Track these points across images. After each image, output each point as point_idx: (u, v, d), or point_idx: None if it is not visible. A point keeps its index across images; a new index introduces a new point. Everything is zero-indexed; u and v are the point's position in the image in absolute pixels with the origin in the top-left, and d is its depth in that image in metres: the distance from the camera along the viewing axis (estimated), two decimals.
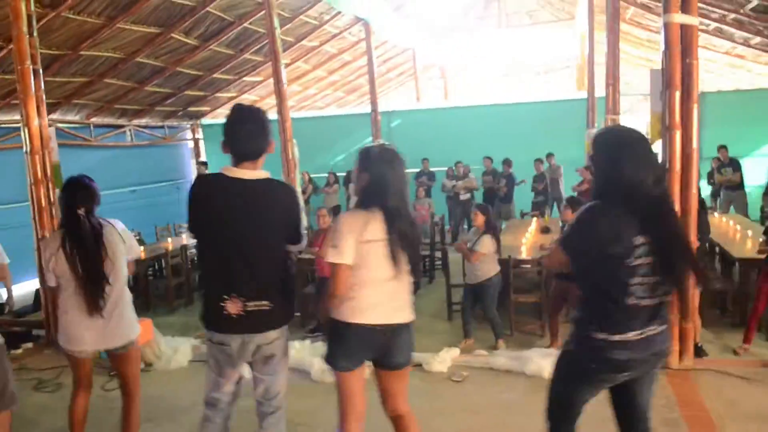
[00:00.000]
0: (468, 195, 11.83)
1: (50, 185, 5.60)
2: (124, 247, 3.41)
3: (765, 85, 12.52)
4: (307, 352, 5.21)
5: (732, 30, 10.68)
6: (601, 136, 2.57)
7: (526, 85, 19.87)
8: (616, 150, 2.45)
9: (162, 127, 13.17)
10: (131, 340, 3.41)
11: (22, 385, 5.00)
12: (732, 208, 10.47)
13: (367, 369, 2.97)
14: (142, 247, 3.59)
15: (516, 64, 19.33)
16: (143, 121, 12.47)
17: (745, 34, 10.63)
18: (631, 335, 2.39)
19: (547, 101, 13.77)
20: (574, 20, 16.03)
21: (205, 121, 14.28)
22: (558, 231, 8.69)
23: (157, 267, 9.26)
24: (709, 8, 10.02)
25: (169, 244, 9.19)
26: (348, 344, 2.83)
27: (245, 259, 2.71)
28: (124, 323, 3.38)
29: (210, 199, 2.78)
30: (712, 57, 12.87)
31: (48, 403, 4.70)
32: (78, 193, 3.33)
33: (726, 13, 9.98)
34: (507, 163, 11.70)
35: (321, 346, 5.26)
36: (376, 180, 2.81)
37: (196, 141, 14.24)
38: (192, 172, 14.29)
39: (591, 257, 2.43)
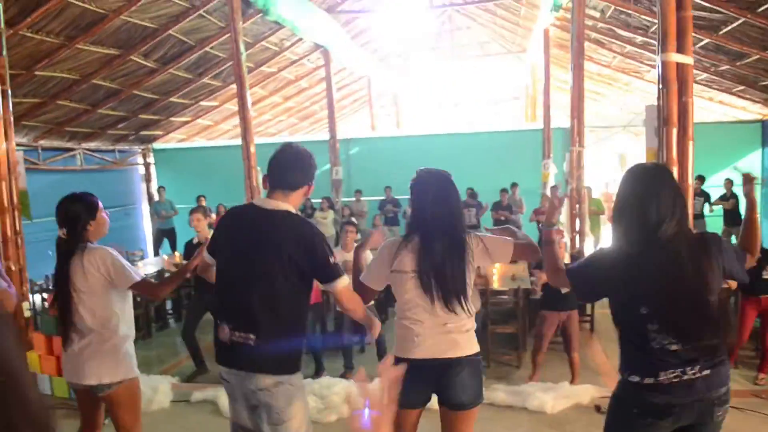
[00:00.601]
0: None
1: (17, 213, 5.24)
2: (89, 279, 3.03)
3: (705, 119, 13.07)
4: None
5: None
6: (624, 175, 2.48)
7: (477, 114, 20.26)
8: (628, 188, 2.38)
9: (113, 150, 12.69)
10: (104, 383, 3.06)
11: None
12: None
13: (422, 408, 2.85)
14: (141, 275, 3.23)
15: (467, 94, 19.70)
16: (93, 144, 11.99)
17: (694, 71, 11.14)
18: (664, 378, 2.28)
19: (503, 131, 14.04)
20: (524, 52, 16.53)
21: (157, 145, 13.86)
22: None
23: None
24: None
25: None
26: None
27: (242, 286, 2.59)
28: (94, 362, 3.05)
29: (227, 223, 2.80)
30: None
31: None
32: (58, 213, 3.09)
33: None
34: (473, 195, 11.80)
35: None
36: (416, 207, 2.79)
37: (147, 165, 13.78)
38: (143, 198, 13.80)
39: (598, 296, 2.41)
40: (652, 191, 2.30)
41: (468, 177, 12.25)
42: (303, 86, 14.90)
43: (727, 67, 10.26)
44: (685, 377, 2.27)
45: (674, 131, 4.44)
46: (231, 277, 2.64)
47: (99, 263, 3.04)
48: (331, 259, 2.61)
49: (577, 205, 8.78)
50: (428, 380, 2.72)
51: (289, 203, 2.66)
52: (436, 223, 2.71)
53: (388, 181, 12.70)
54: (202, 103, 12.45)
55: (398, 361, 2.67)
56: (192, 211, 6.91)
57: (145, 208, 13.76)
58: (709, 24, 8.87)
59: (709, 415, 2.34)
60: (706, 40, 9.40)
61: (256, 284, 2.56)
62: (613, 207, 2.50)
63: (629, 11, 9.57)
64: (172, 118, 12.67)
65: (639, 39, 10.67)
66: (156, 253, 12.26)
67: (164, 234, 12.47)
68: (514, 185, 12.24)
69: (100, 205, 3.18)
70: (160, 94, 11.16)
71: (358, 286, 2.85)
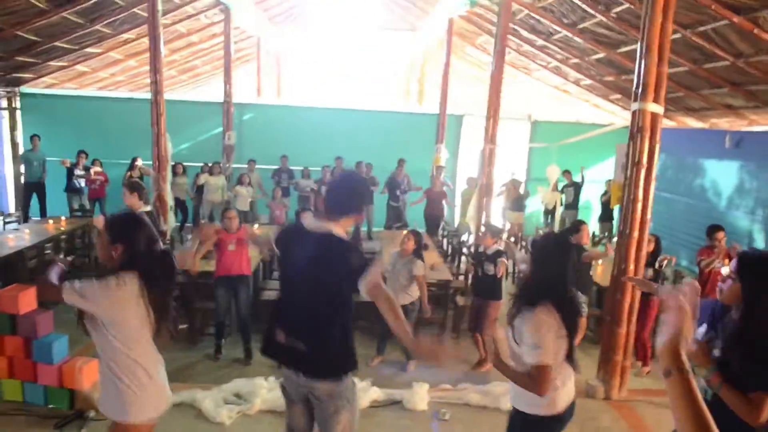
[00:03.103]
0: None
1: None
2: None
3: (582, 119, 14.21)
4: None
5: (570, 71, 12.12)
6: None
7: (350, 87, 20.32)
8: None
9: None
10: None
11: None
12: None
13: None
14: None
15: (348, 66, 19.67)
16: None
17: (580, 76, 12.14)
18: None
19: (401, 112, 14.29)
20: (414, 31, 16.87)
21: (25, 89, 12.34)
22: (432, 246, 9.15)
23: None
24: (556, 50, 11.29)
25: (11, 239, 8.08)
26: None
27: (295, 299, 2.93)
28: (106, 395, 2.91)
29: (282, 244, 3.07)
30: (542, 89, 14.46)
31: None
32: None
33: (569, 56, 11.31)
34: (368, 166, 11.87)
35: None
36: (553, 273, 2.91)
37: (12, 111, 12.21)
38: (6, 149, 12.29)
39: None
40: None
41: (361, 154, 12.36)
42: (193, 41, 14.01)
43: (612, 78, 11.31)
44: None
45: (642, 172, 4.93)
46: (288, 293, 3.00)
47: None
48: (361, 264, 2.78)
49: (484, 200, 9.34)
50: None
51: (335, 227, 2.90)
52: (565, 288, 2.92)
53: (278, 150, 12.43)
54: (87, 49, 11.31)
55: (549, 420, 2.94)
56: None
57: (7, 158, 12.32)
58: (609, 41, 9.71)
59: None
60: (602, 54, 10.27)
61: (310, 299, 2.86)
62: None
63: (539, 17, 10.17)
64: (50, 62, 11.38)
65: (539, 42, 11.37)
66: (25, 211, 11.08)
67: (33, 188, 11.33)
68: (401, 161, 11.99)
69: None
70: (45, 37, 10.00)
71: (541, 373, 2.76)
